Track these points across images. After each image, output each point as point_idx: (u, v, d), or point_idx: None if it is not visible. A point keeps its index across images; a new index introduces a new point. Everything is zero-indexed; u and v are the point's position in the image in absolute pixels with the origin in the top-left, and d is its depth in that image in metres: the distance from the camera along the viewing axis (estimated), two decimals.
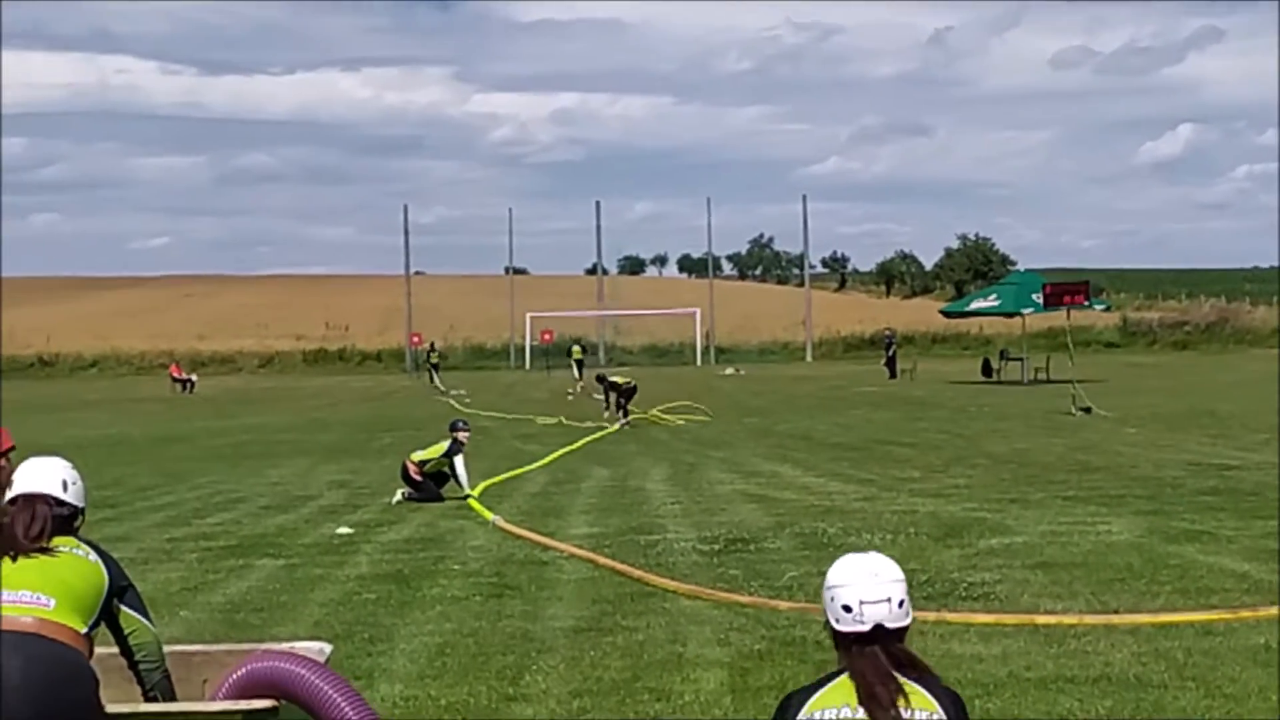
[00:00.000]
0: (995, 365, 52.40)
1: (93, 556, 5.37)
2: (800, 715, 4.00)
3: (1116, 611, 10.03)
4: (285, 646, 5.80)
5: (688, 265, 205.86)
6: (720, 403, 40.41)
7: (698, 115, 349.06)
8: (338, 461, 24.84)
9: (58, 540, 5.34)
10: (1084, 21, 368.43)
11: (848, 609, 4.08)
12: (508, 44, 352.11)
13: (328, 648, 5.99)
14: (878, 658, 4.01)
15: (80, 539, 5.46)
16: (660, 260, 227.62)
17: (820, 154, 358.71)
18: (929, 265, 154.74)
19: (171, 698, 5.49)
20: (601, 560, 12.76)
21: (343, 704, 5.09)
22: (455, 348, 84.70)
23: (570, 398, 47.08)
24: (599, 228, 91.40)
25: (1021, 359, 50.15)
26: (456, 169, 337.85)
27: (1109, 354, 72.54)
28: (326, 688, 5.11)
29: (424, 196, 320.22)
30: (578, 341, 65.08)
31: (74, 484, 5.57)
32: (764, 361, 79.93)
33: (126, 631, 5.41)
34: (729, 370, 68.57)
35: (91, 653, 5.16)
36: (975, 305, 54.60)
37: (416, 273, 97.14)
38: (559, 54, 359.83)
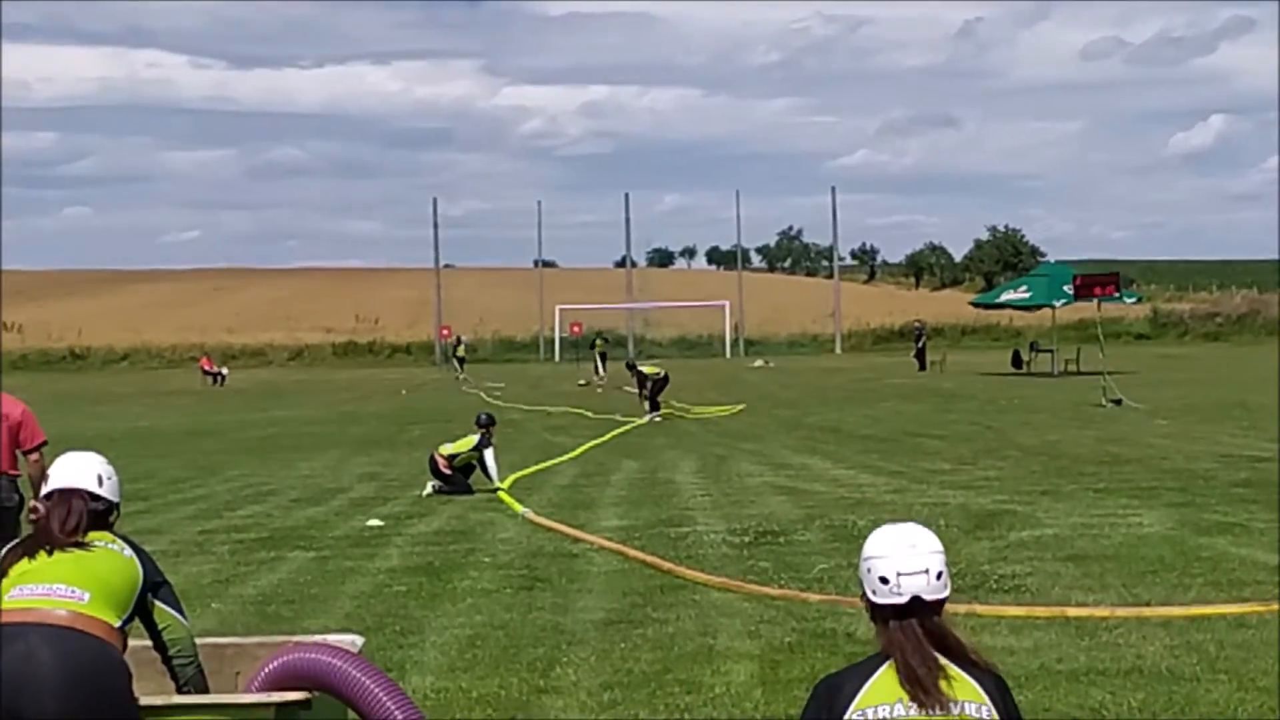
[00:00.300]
0: (1025, 357, 52.21)
1: (127, 551, 5.39)
2: (850, 714, 3.95)
3: (1148, 604, 9.99)
4: (317, 639, 5.82)
5: (717, 257, 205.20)
6: (749, 395, 40.37)
7: (727, 107, 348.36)
8: (368, 454, 24.91)
9: (93, 535, 5.37)
10: (1115, 13, 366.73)
11: (885, 581, 4.02)
12: (537, 37, 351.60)
13: (360, 640, 6.01)
14: (917, 635, 3.95)
15: (116, 534, 5.49)
16: (689, 252, 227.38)
17: (849, 146, 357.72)
18: (958, 257, 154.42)
19: (205, 693, 5.52)
20: (631, 553, 12.77)
21: (380, 694, 5.09)
22: (485, 340, 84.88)
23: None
24: (628, 220, 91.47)
25: (1052, 351, 49.93)
26: (486, 162, 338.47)
27: (1140, 345, 72.19)
28: (364, 678, 5.12)
29: (453, 189, 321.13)
30: (600, 334, 65.00)
31: (109, 479, 5.60)
32: (793, 354, 79.88)
33: (160, 627, 5.43)
34: (758, 362, 68.50)
35: (125, 647, 5.18)
36: (1005, 297, 54.44)
37: (446, 265, 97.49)
38: (588, 46, 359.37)
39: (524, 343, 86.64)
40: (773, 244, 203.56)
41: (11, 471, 9.33)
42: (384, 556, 13.25)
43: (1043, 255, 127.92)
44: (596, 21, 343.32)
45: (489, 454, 18.08)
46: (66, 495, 5.45)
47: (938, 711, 3.83)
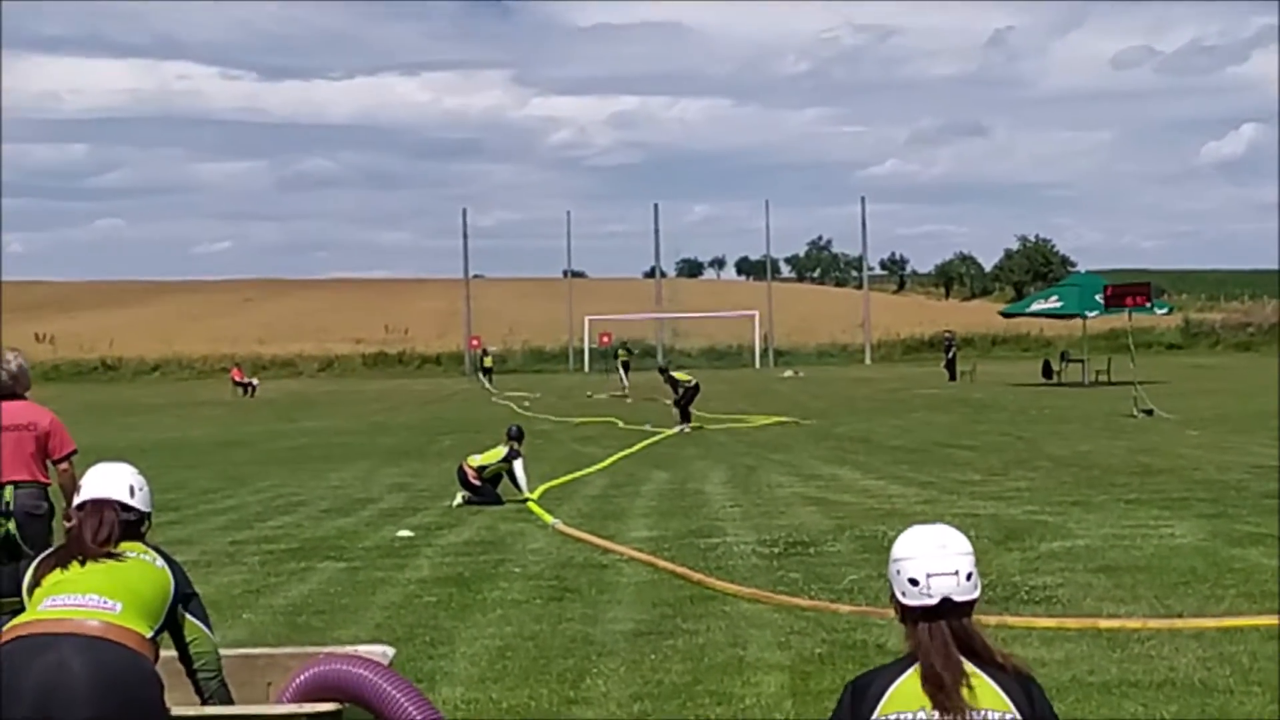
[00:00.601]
0: (1056, 367, 52.01)
1: (159, 562, 5.42)
2: (874, 718, 3.94)
3: (1180, 615, 9.94)
4: (348, 650, 5.83)
5: (746, 267, 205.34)
6: (779, 405, 40.32)
7: (756, 117, 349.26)
8: (398, 464, 24.94)
9: (125, 545, 5.40)
10: (1147, 22, 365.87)
11: (914, 582, 4.01)
12: (566, 47, 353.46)
13: (390, 651, 6.02)
14: (945, 639, 3.95)
15: (148, 545, 5.52)
16: (718, 263, 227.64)
17: (879, 155, 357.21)
18: (988, 267, 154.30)
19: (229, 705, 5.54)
20: (661, 563, 12.75)
21: (408, 706, 5.10)
22: (514, 351, 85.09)
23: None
24: (657, 230, 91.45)
25: (1082, 361, 49.78)
26: (515, 172, 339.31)
27: (1171, 355, 71.90)
28: (393, 690, 5.13)
29: (483, 200, 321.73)
30: (624, 344, 65.02)
31: (141, 489, 5.63)
32: (822, 364, 79.77)
33: (188, 639, 5.46)
34: (788, 373, 68.45)
35: (157, 657, 5.21)
36: (1036, 306, 54.29)
37: (475, 276, 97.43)
38: (617, 57, 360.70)
39: (553, 353, 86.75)
40: (802, 254, 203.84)
41: (41, 480, 9.37)
42: (414, 567, 13.27)
43: (1073, 265, 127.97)
44: (626, 32, 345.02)
45: (518, 465, 18.09)
46: (99, 506, 5.48)
47: (959, 718, 3.83)
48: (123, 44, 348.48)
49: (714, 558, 13.21)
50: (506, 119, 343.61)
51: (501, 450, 18.27)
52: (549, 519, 16.03)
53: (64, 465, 9.44)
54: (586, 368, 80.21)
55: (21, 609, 5.25)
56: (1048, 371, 52.40)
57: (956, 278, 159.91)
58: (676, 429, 31.39)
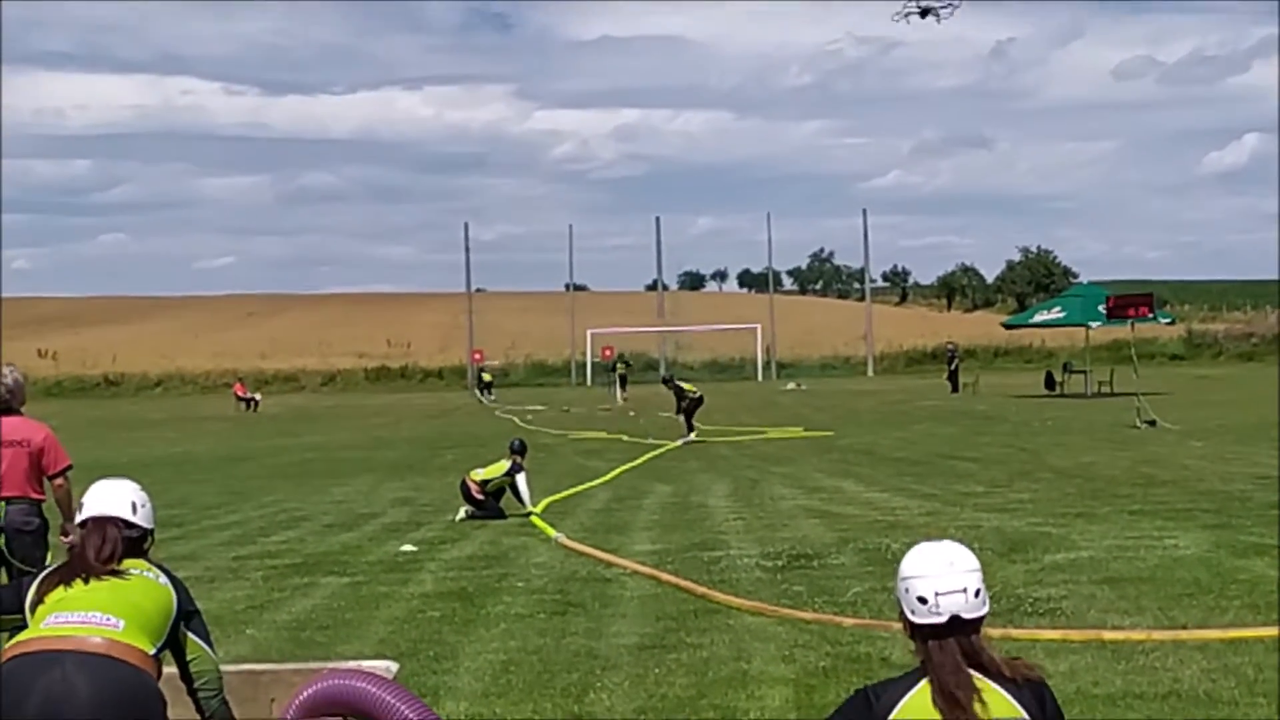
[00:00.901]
0: (1058, 378, 52.00)
1: (163, 580, 5.42)
2: None
3: (1185, 627, 9.92)
4: (352, 665, 5.82)
5: (748, 280, 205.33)
6: (782, 418, 40.32)
7: (758, 130, 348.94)
8: (401, 479, 24.94)
9: (128, 563, 5.40)
10: (1148, 33, 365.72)
11: (923, 600, 4.02)
12: (569, 61, 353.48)
13: (394, 666, 6.02)
14: (955, 655, 3.96)
15: (151, 562, 5.52)
16: (720, 275, 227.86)
17: (881, 168, 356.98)
18: (990, 278, 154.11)
19: None
20: (665, 577, 12.74)
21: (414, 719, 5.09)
22: (516, 365, 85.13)
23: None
24: (659, 243, 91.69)
25: (1085, 372, 49.79)
26: (518, 186, 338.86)
27: (1173, 366, 71.85)
28: (399, 704, 5.12)
29: (485, 214, 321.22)
30: (622, 358, 65.07)
31: (143, 506, 5.62)
32: (825, 376, 79.79)
33: (189, 658, 5.45)
34: (790, 385, 68.46)
35: (159, 674, 5.21)
36: (1038, 318, 54.31)
37: (478, 290, 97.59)
38: (620, 70, 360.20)
39: (555, 367, 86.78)
40: (804, 266, 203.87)
41: (34, 495, 9.37)
42: (417, 582, 13.26)
43: (1075, 276, 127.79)
44: (628, 45, 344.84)
45: (521, 479, 18.08)
46: (101, 523, 5.48)
47: None
48: (126, 60, 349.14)
49: (717, 571, 13.20)
50: (509, 132, 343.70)
51: (504, 464, 18.26)
52: (552, 533, 16.02)
53: (59, 480, 9.45)
54: (589, 381, 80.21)
55: (23, 626, 5.25)
56: (1050, 383, 52.39)
57: (959, 289, 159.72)
58: (681, 440, 31.42)
